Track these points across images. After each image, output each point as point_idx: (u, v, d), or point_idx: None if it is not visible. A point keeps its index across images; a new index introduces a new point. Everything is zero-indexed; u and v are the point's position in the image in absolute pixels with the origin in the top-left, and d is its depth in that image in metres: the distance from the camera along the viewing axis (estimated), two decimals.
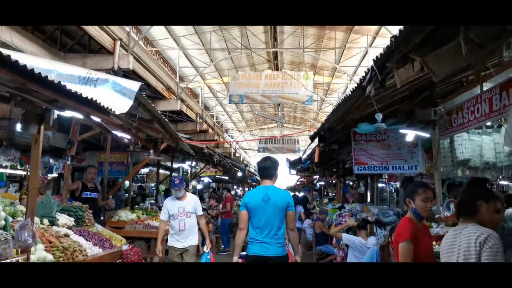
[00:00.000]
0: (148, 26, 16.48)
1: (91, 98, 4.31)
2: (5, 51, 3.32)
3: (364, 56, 21.50)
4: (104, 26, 11.85)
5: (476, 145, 7.77)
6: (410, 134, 7.47)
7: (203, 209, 9.03)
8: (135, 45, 13.79)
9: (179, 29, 20.08)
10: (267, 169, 5.16)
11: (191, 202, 7.45)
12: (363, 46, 20.45)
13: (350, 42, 21.01)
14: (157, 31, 19.68)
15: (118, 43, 12.76)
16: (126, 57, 13.32)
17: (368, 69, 3.75)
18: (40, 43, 10.76)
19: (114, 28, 12.52)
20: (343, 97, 5.62)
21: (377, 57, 3.48)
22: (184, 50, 21.84)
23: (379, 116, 5.46)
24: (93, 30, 11.48)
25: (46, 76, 3.43)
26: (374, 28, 19.29)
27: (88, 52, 12.55)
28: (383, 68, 3.50)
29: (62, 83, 4.32)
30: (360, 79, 4.25)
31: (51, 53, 11.07)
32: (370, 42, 20.16)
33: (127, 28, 13.96)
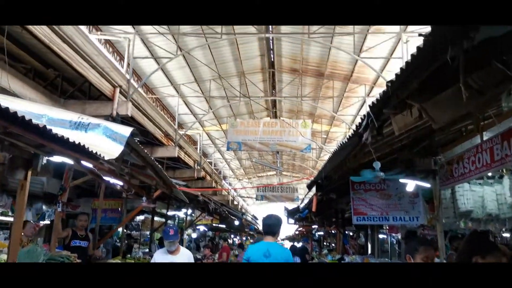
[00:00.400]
0: (148, 74, 16.72)
1: (79, 143, 4.17)
2: (4, 97, 3.23)
3: (362, 105, 21.69)
4: (104, 73, 11.99)
5: (478, 196, 7.55)
6: (410, 184, 7.27)
7: (197, 259, 8.61)
8: (134, 92, 13.89)
9: (179, 77, 20.39)
10: (271, 226, 5.49)
11: (184, 258, 6.84)
12: (361, 96, 20.68)
13: (348, 91, 21.30)
14: (158, 79, 19.97)
15: (117, 90, 12.86)
16: (125, 103, 13.39)
17: (364, 115, 3.64)
18: (41, 89, 10.83)
19: (114, 75, 12.66)
20: (339, 145, 5.49)
21: (373, 103, 3.38)
22: (184, 98, 22.07)
23: (377, 165, 5.31)
24: (94, 77, 11.58)
25: (30, 120, 3.31)
26: (371, 77, 19.62)
27: (88, 98, 12.61)
28: (380, 114, 3.38)
29: (50, 127, 4.20)
30: (356, 125, 4.13)
31: (51, 100, 11.12)
32: (368, 91, 20.42)
33: (127, 75, 14.15)
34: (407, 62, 2.62)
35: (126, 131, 5.10)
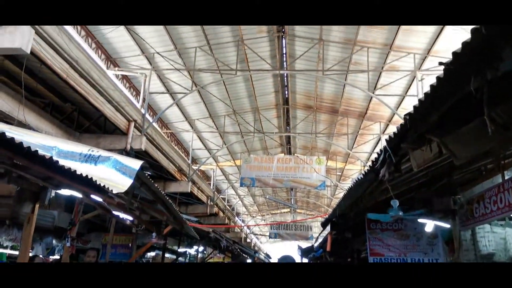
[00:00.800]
0: (163, 109, 16.89)
1: (86, 176, 4.08)
2: (17, 129, 3.19)
3: (377, 143, 21.46)
4: (120, 107, 12.14)
5: (500, 238, 7.17)
6: (429, 224, 6.95)
7: None
8: (149, 127, 13.98)
9: (194, 112, 20.57)
10: None
11: None
12: (376, 133, 20.48)
13: (362, 128, 21.13)
14: (173, 114, 20.16)
15: (132, 124, 12.97)
16: (139, 138, 13.46)
17: (381, 151, 3.48)
18: (57, 123, 10.97)
19: (130, 110, 12.79)
20: (355, 181, 5.29)
21: (390, 137, 3.22)
22: (198, 133, 22.18)
23: (395, 203, 5.07)
24: (109, 112, 11.71)
25: (36, 151, 3.23)
26: (386, 115, 19.47)
27: (103, 132, 12.69)
28: (398, 149, 3.22)
29: (59, 160, 4.13)
30: (372, 161, 3.96)
31: (66, 133, 11.23)
32: (383, 129, 20.23)
33: (143, 110, 14.30)
34: (426, 93, 2.49)
35: (136, 164, 5.01)
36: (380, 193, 5.48)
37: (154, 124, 15.61)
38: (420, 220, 6.89)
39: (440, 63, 2.08)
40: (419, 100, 2.59)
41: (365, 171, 4.67)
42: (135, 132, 13.27)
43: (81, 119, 12.10)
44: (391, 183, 4.25)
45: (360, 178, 4.93)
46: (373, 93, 15.62)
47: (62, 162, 4.46)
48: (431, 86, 2.35)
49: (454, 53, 1.96)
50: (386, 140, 3.32)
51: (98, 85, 10.89)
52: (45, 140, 5.21)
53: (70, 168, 3.85)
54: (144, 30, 13.75)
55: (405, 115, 2.89)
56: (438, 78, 2.26)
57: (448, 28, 12.56)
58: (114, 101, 11.74)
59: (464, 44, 1.90)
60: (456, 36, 12.79)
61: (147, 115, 14.44)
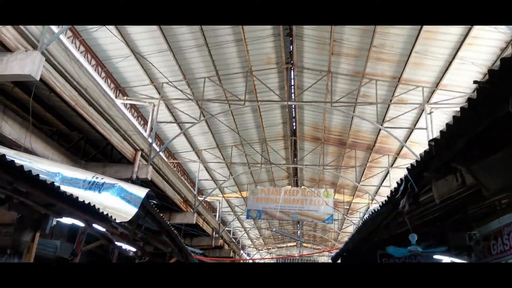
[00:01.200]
0: (170, 138, 16.83)
1: (89, 204, 3.90)
2: (21, 154, 3.06)
3: (385, 176, 21.15)
4: (127, 136, 12.08)
5: None
6: (444, 261, 6.64)
7: None
8: (155, 156, 13.87)
9: (201, 143, 20.50)
10: None
11: None
12: (385, 166, 20.22)
13: (371, 161, 20.88)
14: (180, 144, 20.10)
15: (139, 153, 12.86)
16: (145, 167, 13.32)
17: (401, 180, 3.27)
18: (63, 151, 10.91)
19: (137, 139, 12.72)
20: (371, 213, 5.04)
21: (412, 165, 3.03)
22: (205, 163, 22.03)
23: (413, 238, 4.79)
24: (116, 140, 11.64)
25: (37, 175, 3.08)
26: (395, 148, 19.26)
27: (110, 161, 12.58)
28: (420, 179, 3.03)
29: (62, 186, 3.97)
30: (391, 191, 3.74)
31: (72, 161, 11.14)
32: (391, 162, 19.97)
33: (150, 139, 14.24)
34: (454, 117, 2.32)
35: (141, 192, 4.84)
36: (396, 226, 5.22)
37: (161, 154, 15.51)
38: (436, 257, 6.59)
39: (475, 82, 1.93)
40: (447, 125, 2.42)
41: (382, 202, 4.44)
42: (142, 162, 13.15)
43: (88, 147, 12.02)
44: (408, 215, 4.02)
45: (377, 209, 4.69)
46: (381, 125, 15.48)
47: (65, 188, 4.31)
48: (462, 108, 2.18)
49: (491, 71, 1.82)
50: (407, 168, 3.13)
51: (106, 113, 10.87)
52: (48, 166, 5.08)
53: (72, 195, 3.68)
54: (154, 60, 13.87)
55: (429, 141, 2.71)
56: (469, 99, 2.09)
57: (456, 62, 12.53)
58: (121, 130, 11.69)
59: (504, 60, 1.75)
60: (463, 70, 12.77)
61: (154, 145, 14.36)
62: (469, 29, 11.20)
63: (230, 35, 13.78)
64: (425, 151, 2.81)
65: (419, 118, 15.98)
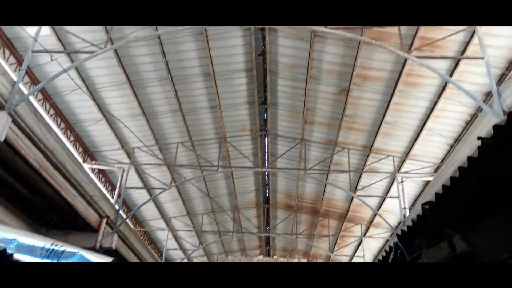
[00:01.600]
0: (137, 206, 16.24)
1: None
2: None
3: (358, 245, 20.87)
4: (93, 202, 11.54)
5: None
6: None
7: None
8: (122, 224, 13.24)
9: (171, 210, 19.84)
10: None
11: None
12: (357, 235, 20.00)
13: (344, 230, 20.63)
14: (149, 211, 19.37)
15: (104, 220, 12.28)
16: (111, 235, 12.67)
17: (390, 247, 3.06)
18: (23, 217, 10.31)
19: (103, 205, 12.18)
20: None
21: (403, 231, 2.83)
22: (174, 232, 21.20)
23: None
24: (81, 206, 11.10)
25: None
26: (367, 216, 19.20)
27: (73, 228, 11.91)
28: (410, 246, 2.82)
29: (18, 254, 3.56)
30: (379, 260, 3.51)
31: (32, 228, 10.50)
32: (364, 231, 19.81)
33: (117, 206, 13.66)
34: (452, 178, 2.17)
35: (104, 261, 4.41)
36: None
37: (128, 221, 14.84)
38: None
39: (479, 138, 1.83)
40: (443, 186, 2.27)
41: None
42: (107, 229, 12.52)
43: (50, 213, 11.39)
44: None
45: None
46: (354, 193, 15.49)
47: (21, 257, 3.89)
48: (460, 168, 2.05)
49: (495, 126, 1.73)
50: (397, 235, 2.92)
51: (72, 177, 10.45)
52: (4, 232, 4.62)
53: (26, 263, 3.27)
54: (128, 124, 13.69)
55: (423, 204, 2.55)
56: (470, 158, 1.97)
57: (424, 133, 12.94)
58: (87, 195, 11.21)
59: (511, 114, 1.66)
60: (431, 141, 13.17)
61: (121, 212, 13.75)
62: (436, 102, 11.69)
63: (205, 102, 13.90)
64: (417, 215, 2.64)
65: (390, 186, 16.12)
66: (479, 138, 1.79)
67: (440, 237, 2.65)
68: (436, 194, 2.32)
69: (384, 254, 3.26)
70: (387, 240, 19.12)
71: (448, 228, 2.50)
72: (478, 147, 1.89)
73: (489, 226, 2.33)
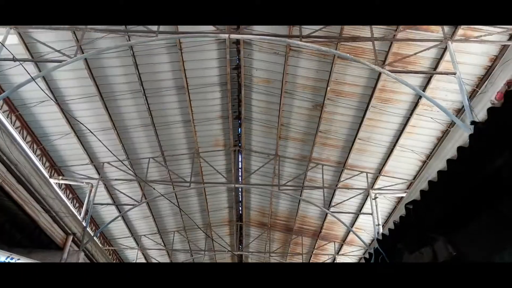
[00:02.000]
0: (106, 223, 15.64)
1: None
2: None
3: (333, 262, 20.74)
4: (58, 218, 11.02)
5: None
6: None
7: None
8: (89, 241, 12.69)
9: (141, 228, 19.24)
10: None
11: None
12: (331, 253, 19.90)
13: (317, 248, 20.50)
14: (118, 229, 18.71)
15: (70, 238, 11.76)
16: (77, 253, 12.14)
17: (370, 254, 2.92)
18: None
19: (69, 221, 11.64)
20: None
21: (384, 235, 2.70)
22: (144, 250, 20.54)
23: None
24: (46, 222, 10.57)
25: None
26: (341, 234, 19.15)
27: (37, 246, 11.33)
28: (393, 251, 2.69)
29: None
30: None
31: None
32: (338, 249, 19.74)
33: (84, 222, 13.10)
34: (439, 172, 2.06)
35: None
36: None
37: (95, 239, 14.25)
38: None
39: (472, 122, 1.73)
40: (429, 182, 2.16)
41: None
42: (73, 247, 11.98)
43: (13, 231, 10.81)
44: None
45: None
46: (328, 210, 15.42)
47: None
48: (448, 160, 1.94)
49: (489, 108, 1.63)
50: (378, 239, 2.79)
51: (37, 192, 9.95)
52: None
53: None
54: (97, 138, 13.24)
55: (406, 204, 2.43)
56: (459, 148, 1.86)
57: (397, 149, 13.07)
58: (52, 211, 10.70)
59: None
60: (404, 157, 13.32)
61: (88, 229, 13.19)
62: (408, 118, 11.85)
63: (178, 116, 13.65)
64: (400, 217, 2.51)
65: (363, 203, 16.16)
66: (472, 122, 1.69)
67: (422, 242, 2.54)
68: (421, 191, 2.21)
69: (363, 261, 3.12)
70: (360, 258, 19.07)
71: (431, 232, 2.39)
72: (474, 129, 1.80)
73: (473, 229, 2.24)
